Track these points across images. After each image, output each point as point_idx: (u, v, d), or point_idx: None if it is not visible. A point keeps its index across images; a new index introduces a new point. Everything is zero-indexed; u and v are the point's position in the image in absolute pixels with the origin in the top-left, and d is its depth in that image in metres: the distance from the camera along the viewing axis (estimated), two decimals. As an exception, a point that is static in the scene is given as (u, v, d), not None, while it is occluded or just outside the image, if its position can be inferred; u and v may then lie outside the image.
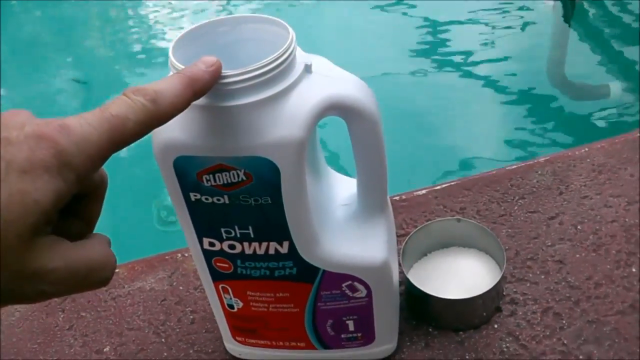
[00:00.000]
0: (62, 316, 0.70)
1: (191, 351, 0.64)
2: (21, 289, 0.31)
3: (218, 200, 0.46)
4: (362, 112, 0.45)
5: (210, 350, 0.64)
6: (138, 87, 0.34)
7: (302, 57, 0.45)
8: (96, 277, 0.34)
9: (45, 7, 3.22)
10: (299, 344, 0.58)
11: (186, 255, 0.75)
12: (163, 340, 0.66)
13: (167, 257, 0.75)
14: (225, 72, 0.40)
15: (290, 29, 0.43)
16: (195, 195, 0.46)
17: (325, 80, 0.45)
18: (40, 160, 0.30)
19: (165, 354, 0.64)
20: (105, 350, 0.66)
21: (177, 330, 0.67)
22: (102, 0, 3.24)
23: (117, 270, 0.74)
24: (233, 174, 0.44)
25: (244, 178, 0.44)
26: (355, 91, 0.45)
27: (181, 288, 0.71)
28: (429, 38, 2.69)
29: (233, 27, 0.46)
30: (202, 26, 0.45)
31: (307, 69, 0.44)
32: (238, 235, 0.48)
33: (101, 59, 2.93)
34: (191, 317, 0.68)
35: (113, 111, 0.32)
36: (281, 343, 0.58)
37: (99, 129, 0.32)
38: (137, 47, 2.96)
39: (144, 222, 1.92)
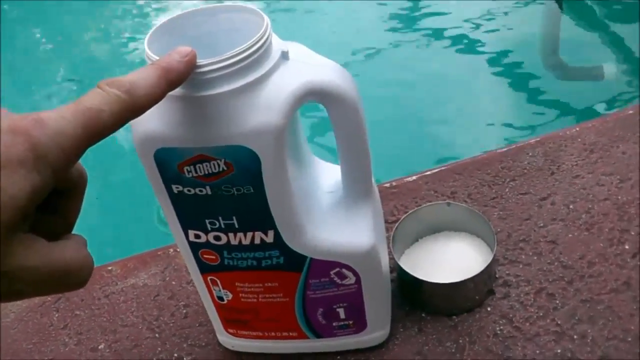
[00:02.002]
0: (56, 315, 0.70)
1: (185, 345, 0.64)
2: None
3: (200, 191, 0.46)
4: (341, 98, 0.45)
5: (203, 344, 0.64)
6: (112, 78, 0.34)
7: (278, 44, 0.44)
8: (73, 279, 0.33)
9: (38, 7, 3.21)
10: (291, 333, 0.58)
11: (178, 250, 0.74)
12: (157, 335, 0.66)
13: (159, 253, 0.75)
14: (200, 61, 0.40)
15: (265, 17, 0.43)
16: (177, 187, 0.46)
17: (302, 67, 0.44)
18: (15, 155, 0.29)
19: (160, 348, 0.64)
20: (100, 347, 0.66)
21: (171, 324, 0.66)
22: (97, 0, 3.24)
23: (110, 268, 0.74)
24: (213, 164, 0.44)
25: (225, 168, 0.44)
26: (333, 76, 0.45)
27: (174, 283, 0.71)
28: (419, 23, 2.68)
29: (208, 17, 0.46)
30: (178, 17, 0.45)
31: (284, 55, 0.44)
32: (222, 226, 0.48)
33: (97, 58, 2.92)
34: (184, 311, 0.68)
35: (87, 103, 0.32)
36: (273, 334, 0.58)
37: (73, 122, 0.31)
38: (132, 46, 2.96)
39: (144, 220, 1.92)
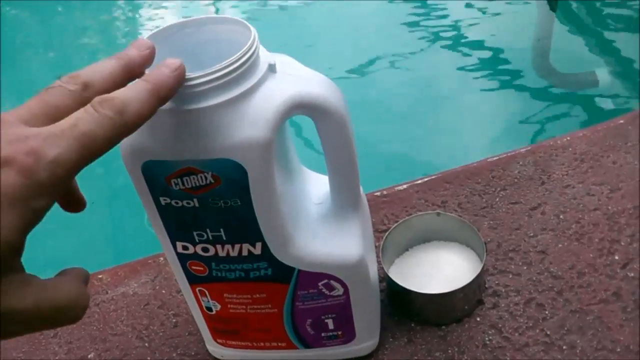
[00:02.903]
0: (46, 324, 0.70)
1: (174, 354, 0.64)
2: None
3: (188, 203, 0.46)
4: (329, 110, 0.45)
5: (193, 353, 0.64)
6: (104, 97, 0.33)
7: (265, 57, 0.44)
8: (65, 317, 0.33)
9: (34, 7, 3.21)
10: (279, 344, 0.58)
11: (169, 258, 0.74)
12: (147, 344, 0.66)
13: (149, 261, 0.75)
14: (187, 74, 0.40)
15: (253, 29, 0.43)
16: (165, 200, 0.46)
17: (290, 79, 0.44)
18: (7, 196, 0.29)
19: (149, 358, 0.64)
20: (89, 356, 0.66)
21: (161, 334, 0.66)
22: (94, 1, 3.23)
23: (100, 276, 0.74)
24: (201, 177, 0.44)
25: (212, 181, 0.44)
26: (320, 89, 0.45)
27: (164, 292, 0.71)
28: (411, 31, 2.68)
29: (197, 28, 0.46)
30: (166, 29, 0.45)
31: (271, 68, 0.44)
32: (210, 238, 0.48)
33: (92, 57, 2.92)
34: (174, 320, 0.67)
35: (82, 128, 0.31)
36: (262, 344, 0.58)
37: (68, 149, 0.31)
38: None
39: (135, 227, 1.92)
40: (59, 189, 0.31)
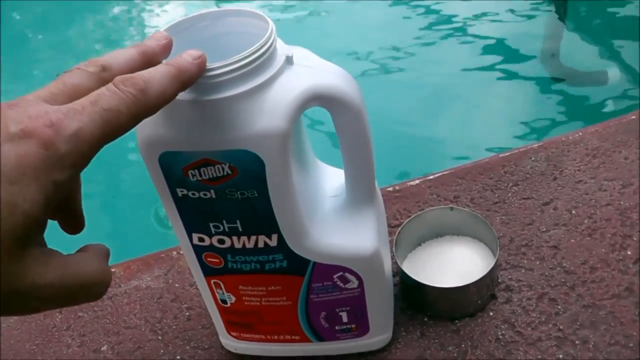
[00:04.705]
0: (59, 317, 0.70)
1: (188, 347, 0.64)
2: (10, 305, 0.30)
3: (205, 195, 0.46)
4: (345, 102, 0.45)
5: (206, 346, 0.64)
6: (127, 76, 0.33)
7: (283, 49, 0.44)
8: (89, 294, 0.33)
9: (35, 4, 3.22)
10: (293, 337, 0.58)
11: (181, 252, 0.74)
12: (160, 337, 0.66)
13: (162, 255, 0.75)
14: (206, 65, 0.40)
15: (270, 21, 0.43)
16: (182, 191, 0.46)
17: (307, 71, 0.44)
18: (28, 167, 0.28)
19: (162, 351, 0.64)
20: (102, 349, 0.66)
21: (174, 327, 0.67)
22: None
23: (113, 270, 0.75)
24: (218, 168, 0.44)
25: (229, 172, 0.44)
26: (337, 81, 0.45)
27: (177, 285, 0.71)
28: (423, 25, 2.68)
29: (214, 21, 0.46)
30: (184, 21, 0.45)
31: (289, 60, 0.44)
32: (227, 230, 0.48)
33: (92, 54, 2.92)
34: (187, 313, 0.68)
35: (105, 105, 0.31)
36: (276, 337, 0.58)
37: (90, 125, 0.31)
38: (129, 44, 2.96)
39: (148, 222, 1.92)
40: (80, 164, 0.31)
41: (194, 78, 0.37)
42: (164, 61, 0.39)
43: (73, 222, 0.40)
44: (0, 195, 0.27)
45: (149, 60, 0.38)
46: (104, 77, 0.34)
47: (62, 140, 0.29)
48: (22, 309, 0.31)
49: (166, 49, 0.40)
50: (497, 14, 2.69)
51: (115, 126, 0.32)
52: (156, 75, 0.34)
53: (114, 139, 0.32)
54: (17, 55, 2.83)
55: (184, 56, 0.37)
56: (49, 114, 0.30)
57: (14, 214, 0.28)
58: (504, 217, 0.72)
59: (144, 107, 0.33)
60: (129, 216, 1.93)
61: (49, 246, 0.33)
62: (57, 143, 0.29)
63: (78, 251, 0.35)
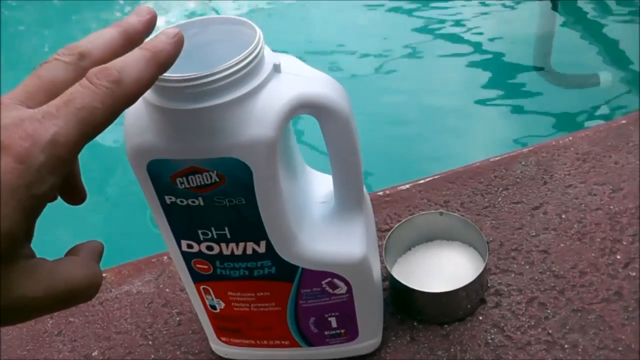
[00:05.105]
0: (50, 322, 0.70)
1: (178, 352, 0.64)
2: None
3: (193, 202, 0.46)
4: (333, 110, 0.45)
5: (196, 351, 0.64)
6: (99, 67, 0.31)
7: (270, 57, 0.45)
8: (80, 298, 0.32)
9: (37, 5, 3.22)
10: (283, 342, 0.58)
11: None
12: (150, 342, 0.66)
13: (153, 260, 0.75)
14: (193, 74, 0.40)
15: (258, 29, 0.43)
16: (170, 198, 0.46)
17: (294, 79, 0.45)
18: (4, 185, 0.27)
19: (153, 356, 0.65)
20: (93, 354, 0.66)
21: (164, 332, 0.67)
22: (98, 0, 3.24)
23: (104, 275, 0.75)
24: (206, 175, 0.44)
25: (217, 179, 0.44)
26: (325, 89, 0.45)
27: (167, 290, 0.71)
28: (413, 30, 2.68)
29: (202, 28, 0.46)
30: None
31: (276, 68, 0.44)
32: (215, 237, 0.48)
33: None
34: (178, 318, 0.68)
35: (78, 103, 0.30)
36: (265, 342, 0.58)
37: (65, 127, 0.29)
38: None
39: (139, 226, 1.92)
40: (61, 170, 0.30)
41: (173, 58, 0.35)
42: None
43: (74, 194, 0.39)
44: None
45: (130, 40, 0.35)
46: (82, 65, 0.33)
47: (39, 151, 0.28)
48: (12, 321, 0.31)
49: (150, 25, 0.37)
50: (488, 15, 2.69)
51: (92, 124, 0.30)
52: (131, 62, 0.32)
53: (94, 137, 0.31)
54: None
55: (160, 36, 0.35)
56: (24, 122, 0.29)
57: None
58: (494, 222, 0.72)
59: (121, 99, 0.31)
60: (121, 218, 1.93)
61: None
62: (33, 154, 0.28)
63: (68, 253, 0.35)
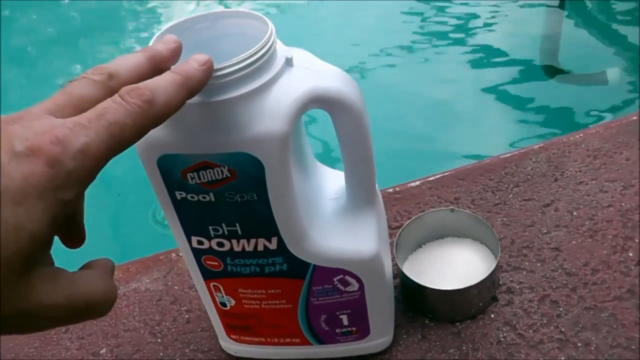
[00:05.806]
0: (58, 320, 0.70)
1: (187, 350, 0.64)
2: (17, 325, 0.30)
3: (204, 198, 0.45)
4: (345, 104, 0.45)
5: (206, 349, 0.64)
6: (132, 86, 0.32)
7: (282, 51, 0.44)
8: (96, 312, 0.33)
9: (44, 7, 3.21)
10: (293, 340, 0.57)
11: (180, 254, 0.74)
12: (159, 340, 0.66)
13: (161, 257, 0.75)
14: None
15: (270, 23, 0.43)
16: (180, 194, 0.46)
17: (306, 73, 0.44)
18: (34, 187, 0.28)
19: (162, 354, 0.64)
20: (101, 352, 0.66)
21: (173, 330, 0.66)
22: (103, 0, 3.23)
23: (112, 272, 0.74)
24: (217, 170, 0.43)
25: (228, 175, 0.44)
26: (337, 83, 0.45)
27: (176, 287, 0.71)
28: (424, 28, 2.67)
29: (213, 22, 0.46)
30: (182, 22, 0.45)
31: (288, 62, 0.44)
32: (226, 233, 0.48)
33: (103, 57, 2.92)
34: (186, 316, 0.67)
35: (110, 118, 0.30)
36: (276, 340, 0.58)
37: (96, 139, 0.30)
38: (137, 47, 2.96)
39: (146, 223, 1.92)
40: (87, 180, 0.30)
41: (202, 85, 0.36)
42: (172, 67, 0.38)
43: (74, 236, 0.39)
44: (6, 216, 0.27)
45: (157, 66, 0.37)
46: (111, 86, 0.34)
47: (69, 157, 0.29)
48: (28, 329, 0.31)
49: (176, 54, 0.39)
50: (495, 14, 2.68)
51: (122, 139, 0.31)
52: (162, 85, 0.33)
53: (121, 152, 0.31)
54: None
55: (190, 62, 0.36)
56: (55, 129, 0.29)
57: (20, 235, 0.27)
58: (504, 219, 0.71)
59: (151, 118, 0.32)
60: (128, 217, 1.93)
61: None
62: (63, 160, 0.28)
63: (83, 267, 0.35)
